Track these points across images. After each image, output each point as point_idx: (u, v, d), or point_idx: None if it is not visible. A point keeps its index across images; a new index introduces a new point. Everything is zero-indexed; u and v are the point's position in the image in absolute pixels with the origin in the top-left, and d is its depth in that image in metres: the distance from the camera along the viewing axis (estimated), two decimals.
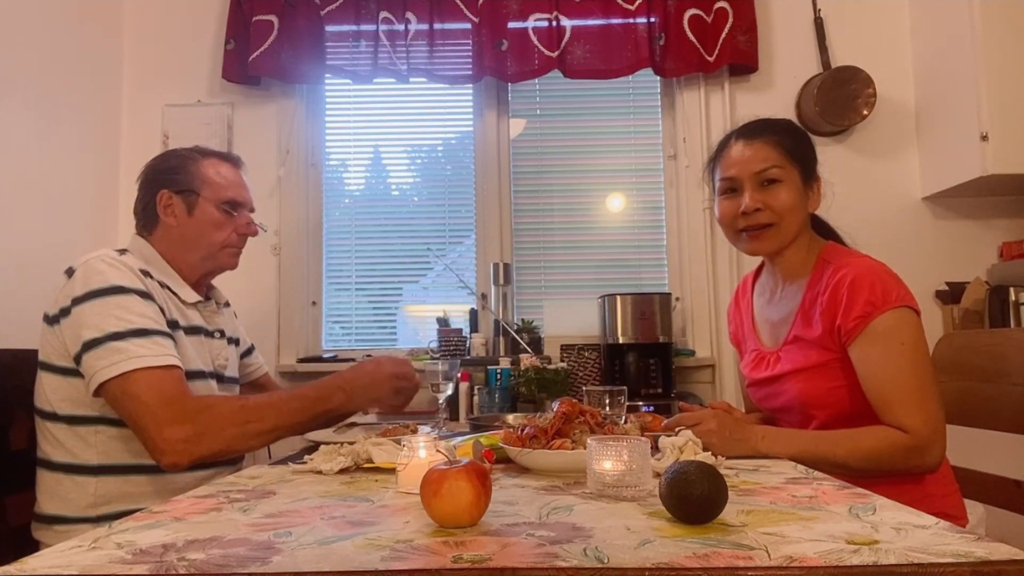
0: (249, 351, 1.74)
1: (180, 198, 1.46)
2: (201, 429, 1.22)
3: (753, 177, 1.37)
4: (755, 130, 1.41)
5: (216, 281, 1.60)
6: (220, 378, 1.50)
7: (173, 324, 1.37)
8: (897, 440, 1.19)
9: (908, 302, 1.25)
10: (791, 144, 1.38)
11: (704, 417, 1.24)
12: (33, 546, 1.30)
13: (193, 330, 1.44)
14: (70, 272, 1.31)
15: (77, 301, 1.27)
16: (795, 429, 1.30)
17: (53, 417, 1.31)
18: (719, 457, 1.07)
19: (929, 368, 1.24)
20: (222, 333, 1.53)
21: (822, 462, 1.20)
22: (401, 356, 1.49)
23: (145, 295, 1.31)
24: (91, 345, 1.23)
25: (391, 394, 1.42)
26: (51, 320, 1.31)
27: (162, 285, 1.41)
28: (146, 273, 1.36)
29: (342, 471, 1.15)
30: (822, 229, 1.48)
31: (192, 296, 1.46)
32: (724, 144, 1.45)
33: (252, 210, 1.57)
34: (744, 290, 1.60)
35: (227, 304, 1.67)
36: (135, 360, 1.22)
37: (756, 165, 1.37)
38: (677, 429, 1.19)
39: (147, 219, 1.48)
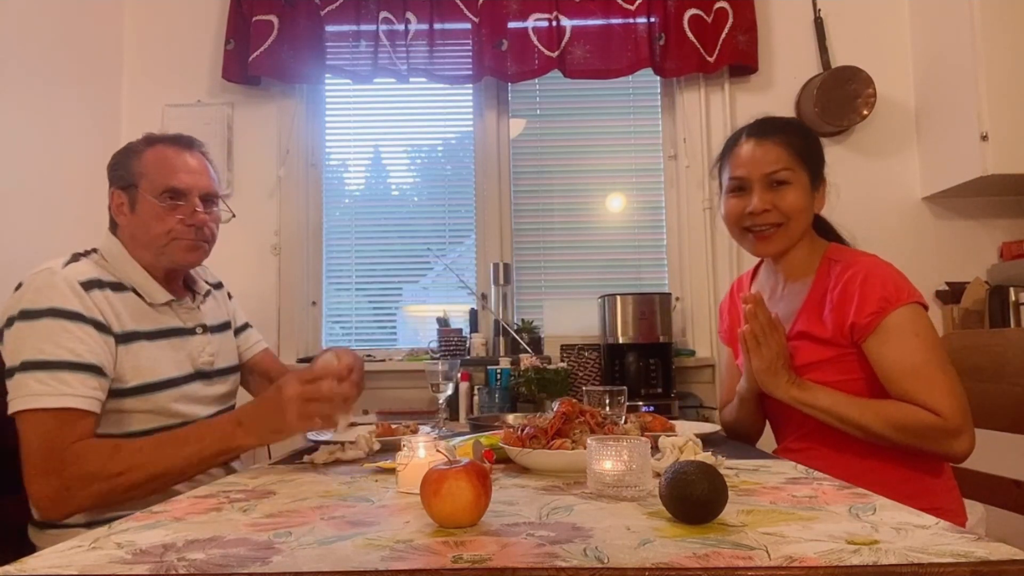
0: (243, 328, 1.66)
1: (125, 195, 1.39)
2: (67, 483, 1.16)
3: (763, 178, 1.38)
4: (767, 129, 1.42)
5: (197, 269, 1.54)
6: (206, 375, 1.45)
7: (128, 336, 1.31)
8: (927, 419, 1.21)
9: (919, 298, 1.28)
10: (802, 146, 1.39)
11: (776, 338, 1.30)
12: (31, 547, 1.30)
13: (164, 333, 1.38)
14: (18, 287, 1.27)
15: (9, 322, 1.23)
16: (818, 385, 1.32)
17: None
18: (719, 457, 1.07)
19: (948, 360, 1.27)
20: (204, 327, 1.47)
21: (847, 422, 1.26)
22: (331, 362, 1.23)
23: (76, 316, 1.23)
24: (7, 374, 1.21)
25: (297, 420, 1.18)
26: None
27: (123, 288, 1.35)
28: (94, 283, 1.29)
29: (338, 463, 1.15)
30: (823, 229, 1.49)
31: (163, 296, 1.39)
32: (734, 141, 1.45)
33: (212, 195, 1.44)
34: (740, 288, 1.61)
35: (219, 286, 1.61)
36: (29, 399, 1.17)
37: (767, 166, 1.37)
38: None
39: (111, 218, 1.43)
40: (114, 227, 1.43)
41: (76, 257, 1.34)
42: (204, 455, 1.22)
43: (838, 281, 1.32)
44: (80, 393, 1.20)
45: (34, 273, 1.27)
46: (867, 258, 1.35)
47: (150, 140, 1.44)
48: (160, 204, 1.37)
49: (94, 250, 1.39)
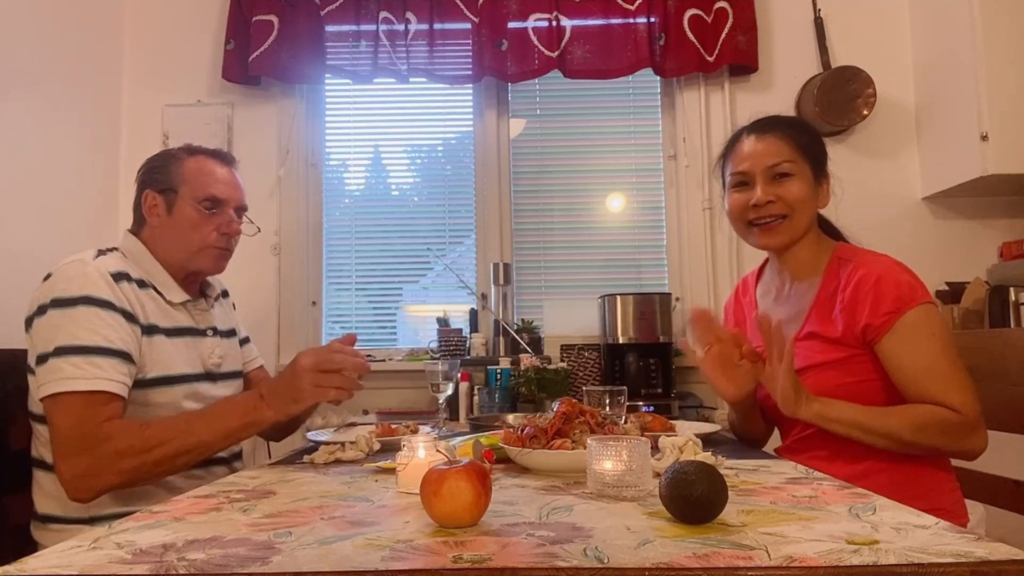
0: (243, 341, 1.70)
1: (162, 197, 1.44)
2: (97, 463, 1.18)
3: (765, 171, 1.38)
4: (767, 125, 1.43)
5: (216, 276, 1.59)
6: (214, 377, 1.48)
7: (151, 328, 1.35)
8: (948, 416, 1.21)
9: (930, 298, 1.28)
10: (803, 139, 1.40)
11: (787, 362, 1.23)
12: (33, 545, 1.30)
13: (180, 331, 1.42)
14: (47, 277, 1.31)
15: (42, 310, 1.27)
16: (837, 400, 1.28)
17: (44, 419, 1.31)
18: (719, 457, 1.07)
19: (960, 359, 1.27)
20: (214, 330, 1.51)
21: (872, 431, 1.24)
22: (336, 343, 1.31)
23: (108, 305, 1.27)
24: (40, 360, 1.24)
25: (311, 388, 1.25)
26: (27, 325, 1.31)
27: (145, 285, 1.39)
28: (122, 276, 1.34)
29: (339, 463, 1.15)
30: (828, 230, 1.48)
31: (180, 296, 1.44)
32: (735, 139, 1.46)
33: (243, 209, 1.52)
34: (745, 289, 1.61)
35: (225, 294, 1.65)
36: (64, 383, 1.20)
37: (768, 159, 1.37)
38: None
39: (137, 218, 1.48)
40: (136, 227, 1.48)
41: (103, 252, 1.39)
42: (231, 428, 1.27)
43: (849, 281, 1.31)
44: (112, 377, 1.24)
45: (65, 264, 1.31)
46: (879, 258, 1.34)
47: (190, 150, 1.50)
48: (201, 211, 1.43)
49: (114, 248, 1.43)
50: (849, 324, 1.30)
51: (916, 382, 1.24)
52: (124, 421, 1.24)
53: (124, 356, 1.27)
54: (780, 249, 1.44)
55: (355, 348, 1.34)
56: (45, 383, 1.22)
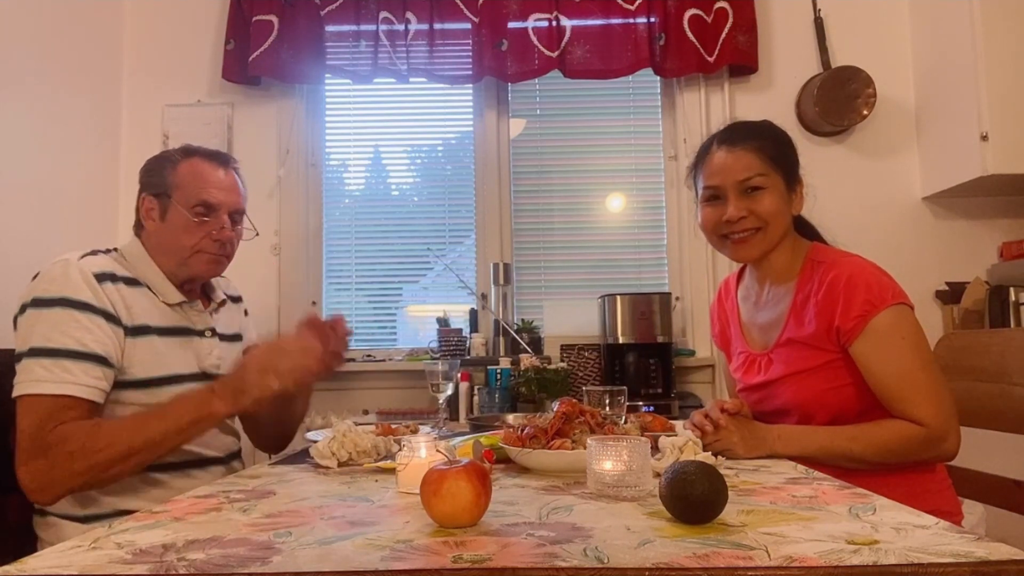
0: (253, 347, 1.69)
1: (157, 202, 1.42)
2: (51, 466, 1.17)
3: (736, 185, 1.35)
4: (736, 136, 1.39)
5: (218, 279, 1.58)
6: (211, 378, 1.45)
7: (138, 329, 1.33)
8: (912, 433, 1.21)
9: (903, 299, 1.26)
10: (773, 150, 1.37)
11: (722, 429, 1.22)
12: (34, 541, 1.30)
13: (173, 331, 1.41)
14: (35, 276, 1.31)
15: (23, 309, 1.27)
16: (807, 426, 1.29)
17: None
18: (719, 457, 1.07)
19: (933, 360, 1.26)
20: (213, 331, 1.49)
21: (839, 457, 1.22)
22: (295, 333, 1.33)
23: (86, 307, 1.26)
24: (16, 359, 1.24)
25: (257, 375, 1.24)
26: (14, 323, 1.30)
27: (137, 283, 1.38)
28: (107, 276, 1.32)
29: (342, 465, 1.15)
30: (804, 229, 1.47)
31: (175, 297, 1.42)
32: (706, 150, 1.43)
33: (239, 212, 1.48)
34: (727, 291, 1.60)
35: (238, 299, 1.64)
36: (31, 384, 1.20)
37: (739, 174, 1.35)
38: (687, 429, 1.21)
39: (137, 220, 1.47)
40: (139, 228, 1.47)
41: (95, 252, 1.37)
42: (181, 424, 1.24)
43: (822, 283, 1.30)
44: (81, 382, 1.22)
45: (51, 263, 1.31)
46: (850, 258, 1.32)
47: (187, 151, 1.46)
48: (191, 217, 1.40)
49: (115, 249, 1.43)
50: (823, 327, 1.28)
51: (887, 388, 1.23)
52: (78, 422, 1.21)
53: (99, 360, 1.25)
54: (755, 260, 1.43)
55: (329, 323, 1.35)
56: (16, 383, 1.22)
